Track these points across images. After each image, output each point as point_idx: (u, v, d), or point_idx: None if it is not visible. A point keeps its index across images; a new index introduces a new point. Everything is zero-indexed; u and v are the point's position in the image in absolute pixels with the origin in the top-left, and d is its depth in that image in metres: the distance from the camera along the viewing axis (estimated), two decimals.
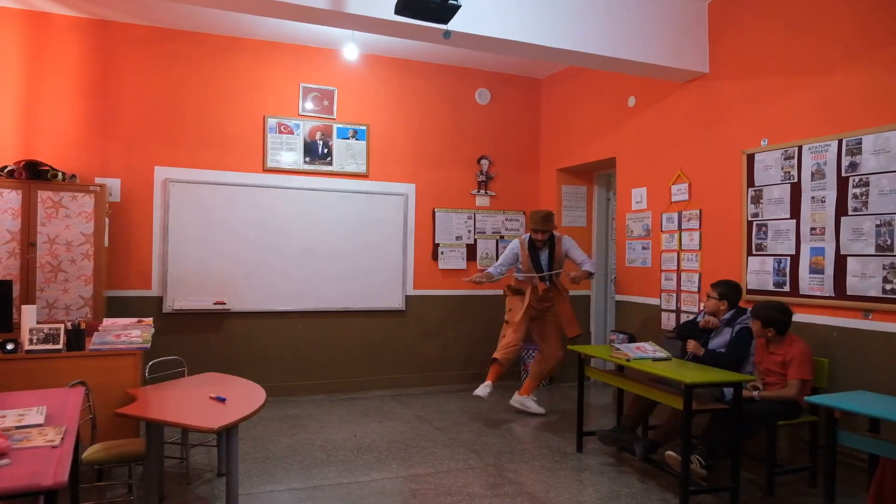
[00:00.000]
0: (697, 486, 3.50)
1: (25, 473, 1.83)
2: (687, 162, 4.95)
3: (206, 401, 3.21)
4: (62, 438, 2.13)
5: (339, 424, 4.96)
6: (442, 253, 6.41)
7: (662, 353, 3.96)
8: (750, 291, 4.29)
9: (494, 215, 6.63)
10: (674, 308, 5.02)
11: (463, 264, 6.49)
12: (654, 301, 5.25)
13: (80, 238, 4.77)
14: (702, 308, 4.59)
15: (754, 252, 4.32)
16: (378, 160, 6.18)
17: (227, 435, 2.99)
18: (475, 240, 6.55)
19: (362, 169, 6.10)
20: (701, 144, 4.81)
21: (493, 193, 6.63)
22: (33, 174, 4.67)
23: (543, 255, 5.34)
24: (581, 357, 4.45)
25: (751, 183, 4.34)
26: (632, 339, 4.34)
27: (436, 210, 6.39)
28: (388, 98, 6.22)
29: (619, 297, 5.75)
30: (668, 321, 5.07)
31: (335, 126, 6.01)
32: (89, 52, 5.30)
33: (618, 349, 4.07)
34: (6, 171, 4.65)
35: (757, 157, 4.31)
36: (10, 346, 3.38)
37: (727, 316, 4.03)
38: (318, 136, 5.95)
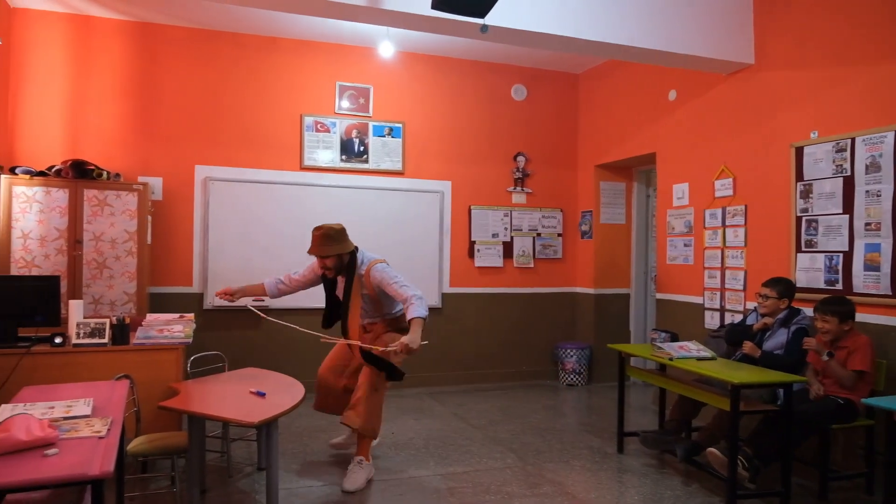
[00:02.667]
0: (745, 490, 3.39)
1: (73, 463, 1.85)
2: (731, 156, 4.81)
3: (247, 395, 3.23)
4: (108, 430, 2.15)
5: None
6: (478, 250, 6.37)
7: (707, 353, 3.85)
8: (799, 290, 4.14)
9: (531, 212, 6.56)
10: (718, 307, 4.88)
11: (500, 262, 6.43)
12: (696, 299, 5.11)
13: (123, 235, 4.87)
14: (749, 308, 4.45)
15: (804, 249, 4.17)
16: (414, 157, 6.17)
17: (266, 429, 3.00)
18: (512, 237, 6.49)
19: (398, 166, 6.10)
20: (746, 138, 4.67)
21: (530, 190, 6.56)
22: (80, 173, 4.78)
23: (342, 293, 3.85)
24: (621, 356, 4.36)
25: (800, 177, 4.19)
26: (674, 338, 4.23)
27: (472, 207, 6.35)
28: (423, 95, 6.21)
29: (659, 296, 5.62)
30: (711, 320, 4.93)
31: (371, 124, 6.02)
32: (132, 54, 5.40)
33: (660, 348, 3.96)
34: (54, 170, 4.77)
35: (806, 151, 4.16)
36: (58, 340, 3.46)
37: (781, 316, 3.87)
38: (354, 133, 5.97)
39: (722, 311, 4.84)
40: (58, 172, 4.76)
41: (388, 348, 3.55)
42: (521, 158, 6.52)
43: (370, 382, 3.69)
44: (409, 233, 6.09)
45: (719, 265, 4.89)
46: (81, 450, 1.96)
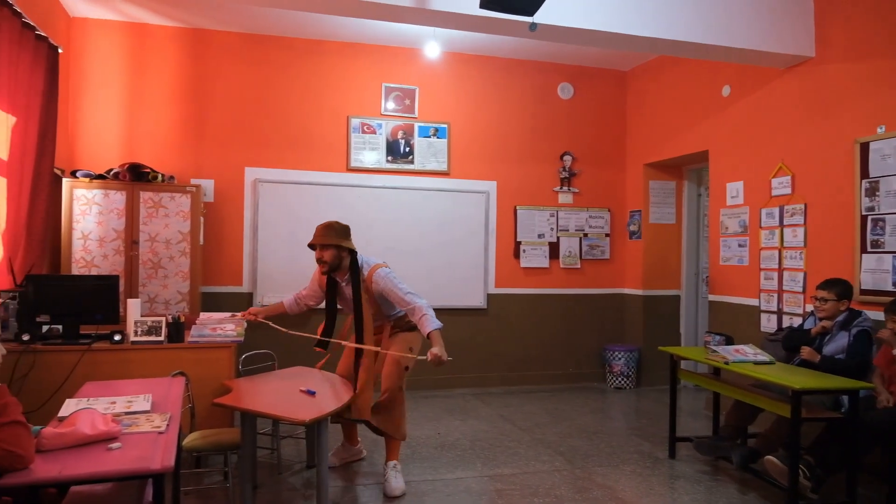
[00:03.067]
0: (806, 501, 3.25)
1: (135, 457, 1.89)
2: (789, 153, 4.64)
3: (297, 393, 3.27)
4: (167, 425, 2.20)
5: (422, 421, 4.96)
6: (524, 251, 6.31)
7: (765, 357, 3.72)
8: (864, 292, 3.97)
9: (578, 213, 6.47)
10: (775, 309, 4.72)
11: (546, 262, 6.36)
12: (751, 301, 4.95)
13: (177, 236, 4.99)
14: (808, 311, 4.29)
15: (869, 249, 3.98)
16: (459, 158, 6.15)
17: (317, 428, 3.02)
18: (558, 238, 6.41)
19: (443, 167, 6.09)
20: (806, 134, 4.50)
21: (577, 190, 6.47)
22: (136, 176, 4.93)
23: (345, 298, 3.75)
24: (673, 359, 4.25)
25: (865, 174, 4.01)
26: (729, 342, 4.10)
27: (517, 207, 6.30)
28: (468, 95, 6.19)
29: (712, 297, 5.47)
30: (768, 323, 4.77)
31: (416, 125, 6.03)
32: (185, 60, 5.54)
33: (714, 351, 3.85)
34: (112, 173, 4.93)
35: (872, 146, 3.97)
36: (117, 337, 3.56)
37: (841, 318, 3.72)
38: (399, 135, 5.99)
39: (779, 313, 4.67)
40: (115, 175, 4.91)
41: (420, 357, 3.43)
42: (567, 158, 6.44)
43: (396, 384, 3.60)
44: (454, 233, 6.08)
45: (776, 266, 4.72)
46: (143, 444, 2.00)
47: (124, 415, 2.30)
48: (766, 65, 4.71)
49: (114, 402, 2.43)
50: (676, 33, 4.17)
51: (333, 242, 3.56)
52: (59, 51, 4.53)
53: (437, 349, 3.30)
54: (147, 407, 2.39)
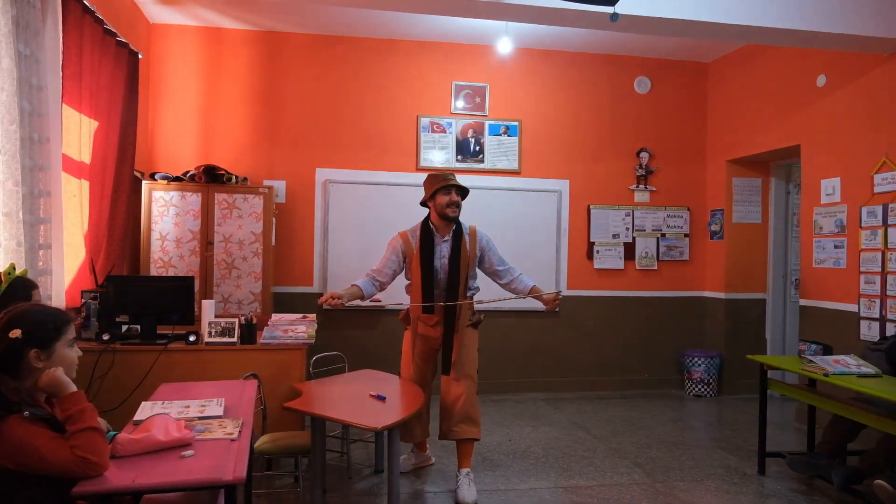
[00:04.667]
0: None
1: (208, 466, 1.85)
2: (895, 147, 4.25)
3: (367, 398, 3.20)
4: (240, 432, 2.16)
5: (492, 427, 4.83)
6: (597, 252, 6.08)
7: (870, 368, 3.40)
8: None
9: (655, 212, 6.18)
10: (877, 316, 4.33)
11: (620, 264, 6.11)
12: (850, 307, 4.57)
13: (250, 237, 5.05)
14: None
15: None
16: (530, 156, 5.98)
17: (388, 434, 2.95)
18: (634, 238, 6.14)
19: (514, 166, 5.94)
20: None
21: (654, 188, 6.18)
22: (211, 178, 5.01)
23: (441, 255, 3.57)
24: (763, 368, 3.95)
25: None
26: (827, 351, 3.79)
27: (591, 207, 6.07)
28: (540, 92, 6.01)
29: (804, 302, 5.09)
30: (869, 331, 4.39)
31: (487, 123, 5.90)
32: (258, 63, 5.61)
33: (811, 361, 3.56)
34: (188, 175, 5.03)
35: None
36: (192, 338, 3.61)
37: None
38: (469, 133, 5.88)
39: (882, 321, 4.29)
40: (192, 177, 5.01)
41: (546, 294, 3.60)
42: (644, 155, 6.16)
43: (472, 386, 3.57)
44: (525, 234, 5.92)
45: (879, 269, 4.33)
46: (216, 452, 1.96)
47: (197, 419, 2.28)
48: (867, 51, 4.33)
49: (188, 406, 2.42)
50: (769, 20, 3.88)
51: (468, 190, 3.62)
52: (140, 56, 4.66)
53: (548, 294, 3.56)
54: (220, 412, 2.36)
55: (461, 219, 3.62)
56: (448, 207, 3.50)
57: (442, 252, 3.57)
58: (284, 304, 5.48)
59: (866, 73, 4.49)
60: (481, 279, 3.77)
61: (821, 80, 4.90)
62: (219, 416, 2.33)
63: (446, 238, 3.58)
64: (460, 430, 3.51)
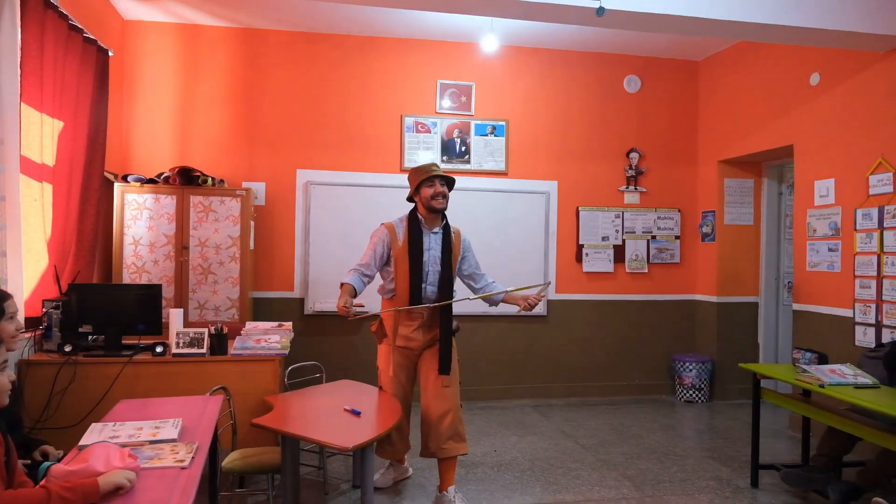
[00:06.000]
0: None
1: (150, 500, 1.69)
2: (891, 147, 4.12)
3: (341, 413, 3.05)
4: (192, 458, 2.00)
5: (478, 436, 4.68)
6: (587, 255, 5.93)
7: (867, 379, 3.26)
8: None
9: (645, 213, 6.04)
10: (872, 321, 4.20)
11: (610, 267, 5.97)
12: (844, 312, 4.44)
13: (227, 241, 4.88)
14: None
15: None
16: (518, 157, 5.83)
17: (361, 452, 2.79)
18: (623, 240, 6.00)
19: (501, 166, 5.78)
20: None
21: (644, 189, 6.04)
22: (186, 180, 4.84)
23: (430, 247, 3.39)
24: (755, 377, 3.82)
25: None
26: (822, 360, 3.65)
27: (580, 208, 5.92)
28: (528, 91, 5.86)
29: (797, 306, 4.96)
30: (864, 337, 4.26)
31: (473, 123, 5.75)
32: (236, 61, 5.44)
33: (805, 371, 3.42)
34: (162, 177, 4.85)
35: None
36: (159, 349, 3.44)
37: None
38: (455, 133, 5.72)
39: (878, 326, 4.16)
40: (166, 179, 4.83)
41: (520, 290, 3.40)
42: (634, 155, 6.01)
43: (456, 398, 3.40)
44: (512, 236, 5.77)
45: (875, 273, 4.20)
46: (161, 484, 1.81)
47: (148, 444, 2.12)
48: (861, 48, 4.20)
49: (140, 428, 2.25)
50: (761, 15, 3.73)
51: (453, 179, 3.48)
52: (110, 54, 4.48)
53: (522, 296, 3.37)
54: (174, 435, 2.20)
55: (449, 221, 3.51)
56: (434, 199, 3.33)
57: (431, 244, 3.38)
58: (265, 309, 5.32)
59: (861, 71, 4.36)
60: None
61: (814, 79, 4.76)
62: (172, 440, 2.17)
63: (436, 230, 3.41)
64: (449, 447, 3.32)
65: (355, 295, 3.28)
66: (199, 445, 2.13)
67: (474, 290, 3.60)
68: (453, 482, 3.40)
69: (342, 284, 3.29)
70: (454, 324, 3.55)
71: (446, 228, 3.44)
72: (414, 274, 3.31)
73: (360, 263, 3.38)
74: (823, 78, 4.69)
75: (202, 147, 5.36)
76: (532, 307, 3.34)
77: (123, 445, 2.04)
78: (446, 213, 3.48)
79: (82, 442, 2.10)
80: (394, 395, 3.40)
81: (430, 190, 3.32)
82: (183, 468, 1.93)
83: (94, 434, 2.18)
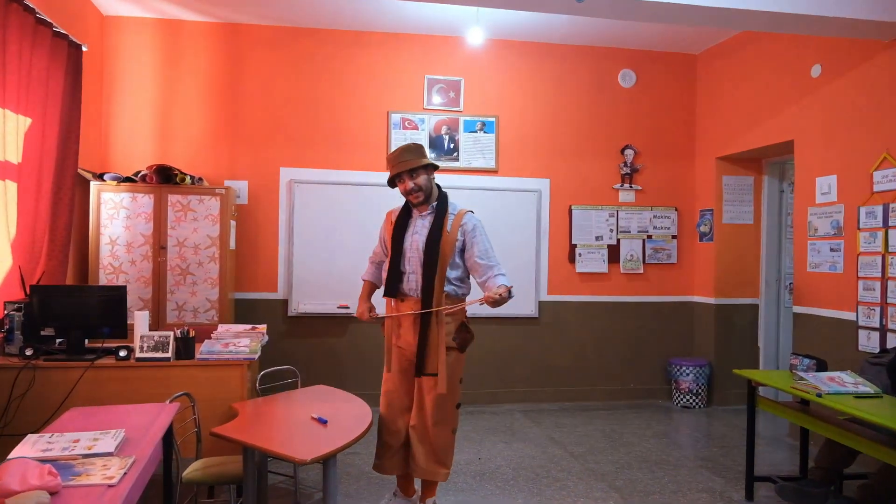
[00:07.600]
0: None
1: None
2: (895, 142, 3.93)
3: (308, 422, 2.89)
4: (124, 474, 1.85)
5: (462, 443, 4.50)
6: (580, 255, 5.76)
7: (868, 388, 3.08)
8: None
9: (641, 212, 5.85)
10: (877, 325, 4.01)
11: (604, 267, 5.79)
12: (847, 315, 4.25)
13: (206, 241, 4.74)
14: None
15: None
16: (508, 154, 5.66)
17: (324, 464, 2.63)
18: (618, 240, 5.82)
19: (491, 164, 5.62)
20: None
21: (640, 187, 5.86)
22: (163, 178, 4.70)
23: (414, 231, 3.14)
24: (751, 384, 3.63)
25: None
26: (821, 367, 3.46)
27: (573, 207, 5.75)
28: (518, 86, 5.68)
29: (797, 309, 4.76)
30: (867, 341, 4.06)
31: (462, 119, 5.58)
32: (218, 57, 5.30)
33: (802, 379, 3.24)
34: (140, 176, 4.72)
35: None
36: (122, 353, 3.30)
37: None
38: (443, 130, 5.56)
39: (883, 330, 3.96)
40: (143, 178, 4.70)
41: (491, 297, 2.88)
42: (629, 152, 5.83)
43: (448, 416, 3.16)
44: (502, 236, 5.57)
45: (879, 275, 4.01)
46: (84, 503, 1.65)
47: (81, 458, 1.96)
48: (865, 37, 4.01)
49: (77, 441, 2.10)
50: (757, 3, 3.55)
51: (423, 163, 3.05)
52: (84, 49, 4.34)
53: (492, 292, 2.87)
54: (111, 448, 2.04)
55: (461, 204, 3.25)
56: (409, 195, 3.11)
57: (417, 228, 3.12)
58: (248, 311, 5.19)
59: (864, 61, 4.16)
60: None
61: (815, 71, 4.57)
62: (108, 454, 2.01)
63: (425, 213, 3.14)
64: (423, 469, 3.11)
65: (374, 289, 3.37)
66: (137, 459, 1.98)
67: (478, 284, 3.17)
68: (434, 494, 3.24)
69: (364, 282, 3.41)
70: (462, 335, 3.16)
71: (440, 210, 3.11)
72: (393, 260, 3.12)
73: (374, 253, 3.43)
74: (825, 69, 4.50)
75: (184, 144, 5.23)
76: (494, 303, 2.90)
77: (53, 460, 1.90)
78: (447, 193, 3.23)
79: (12, 455, 1.95)
80: (385, 394, 3.21)
81: (401, 186, 3.13)
82: (110, 486, 1.77)
83: (26, 446, 2.03)
